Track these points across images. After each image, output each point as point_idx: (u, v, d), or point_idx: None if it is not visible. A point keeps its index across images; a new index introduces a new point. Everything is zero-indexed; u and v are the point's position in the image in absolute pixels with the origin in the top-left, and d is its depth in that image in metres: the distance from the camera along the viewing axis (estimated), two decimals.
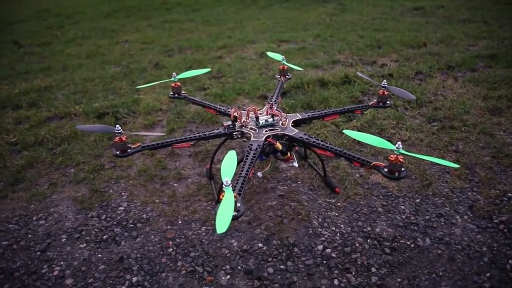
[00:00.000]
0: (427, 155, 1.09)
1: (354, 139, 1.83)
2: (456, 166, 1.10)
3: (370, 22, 4.61)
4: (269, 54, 1.98)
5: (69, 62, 3.82)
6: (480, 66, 2.92)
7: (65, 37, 5.10)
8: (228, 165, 1.07)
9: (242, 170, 1.14)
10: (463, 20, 4.40)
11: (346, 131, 1.26)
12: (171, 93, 1.71)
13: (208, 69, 1.95)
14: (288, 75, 1.84)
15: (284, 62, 1.82)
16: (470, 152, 1.82)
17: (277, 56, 1.88)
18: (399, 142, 1.02)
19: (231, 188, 0.94)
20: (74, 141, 2.17)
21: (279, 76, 1.83)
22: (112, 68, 3.57)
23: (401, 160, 1.04)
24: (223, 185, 0.93)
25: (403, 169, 1.06)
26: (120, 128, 1.24)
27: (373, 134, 1.96)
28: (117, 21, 5.92)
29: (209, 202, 1.62)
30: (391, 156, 1.04)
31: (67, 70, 3.57)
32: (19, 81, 3.35)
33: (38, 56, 4.26)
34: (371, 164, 1.13)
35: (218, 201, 0.93)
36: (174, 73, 1.69)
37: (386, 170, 1.07)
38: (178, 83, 1.69)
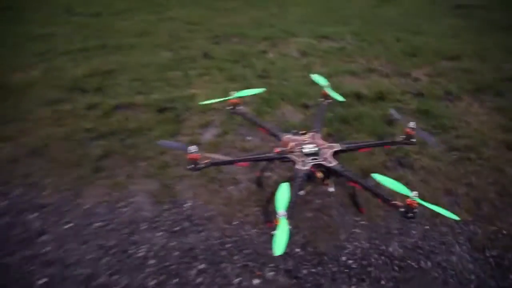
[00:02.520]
0: (435, 205, 1.41)
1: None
2: (457, 218, 1.44)
3: (409, 22, 4.70)
4: (314, 77, 2.24)
5: (120, 41, 4.14)
6: (507, 90, 3.05)
7: (111, 9, 5.36)
8: (282, 197, 1.44)
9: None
10: (505, 28, 4.41)
11: (374, 175, 1.60)
12: (231, 108, 2.05)
13: (263, 89, 2.26)
14: (330, 100, 2.13)
15: (327, 90, 2.10)
16: (479, 186, 2.11)
17: (322, 81, 2.16)
18: (415, 192, 1.37)
19: (286, 218, 1.32)
20: (139, 134, 2.56)
21: (322, 99, 2.13)
22: (163, 52, 3.88)
23: (415, 205, 1.39)
24: (278, 216, 1.31)
25: (415, 210, 1.40)
26: (195, 148, 1.62)
27: (398, 157, 2.29)
28: None
29: (259, 208, 1.99)
30: (408, 200, 1.39)
31: (121, 51, 3.90)
32: (80, 58, 3.72)
33: (91, 29, 4.58)
34: (391, 202, 1.48)
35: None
36: (232, 92, 2.03)
37: (402, 210, 1.42)
38: (237, 100, 2.03)
